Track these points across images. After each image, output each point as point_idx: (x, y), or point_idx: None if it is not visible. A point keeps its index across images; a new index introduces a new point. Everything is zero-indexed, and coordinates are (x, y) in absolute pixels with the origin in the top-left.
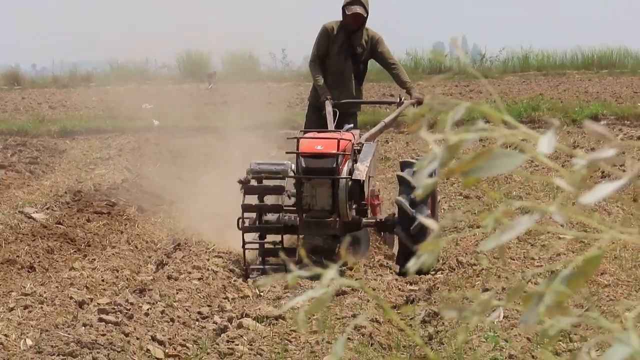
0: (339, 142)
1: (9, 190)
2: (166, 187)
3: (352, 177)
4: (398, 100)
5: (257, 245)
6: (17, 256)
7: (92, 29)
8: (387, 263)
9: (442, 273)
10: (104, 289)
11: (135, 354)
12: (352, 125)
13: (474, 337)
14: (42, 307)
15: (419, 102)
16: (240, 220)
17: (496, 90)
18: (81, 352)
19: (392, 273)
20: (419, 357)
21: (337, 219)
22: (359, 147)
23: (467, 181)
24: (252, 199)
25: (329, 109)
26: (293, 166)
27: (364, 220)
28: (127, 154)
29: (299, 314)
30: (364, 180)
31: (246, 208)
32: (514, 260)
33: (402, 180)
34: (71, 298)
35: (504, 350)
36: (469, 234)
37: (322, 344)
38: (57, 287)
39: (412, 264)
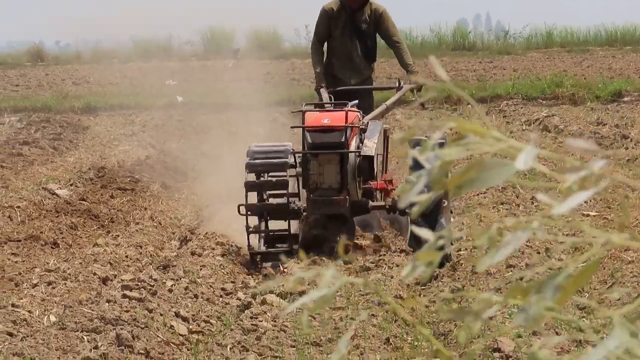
0: (347, 114)
1: (32, 166)
2: (190, 163)
3: (362, 153)
4: (397, 85)
5: (261, 231)
6: (41, 232)
7: (116, 6)
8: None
9: (465, 250)
10: (128, 265)
11: (158, 330)
12: (356, 102)
13: (498, 314)
14: (65, 284)
15: (419, 87)
16: (245, 201)
17: (520, 66)
18: (105, 329)
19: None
20: (442, 334)
21: (347, 197)
22: (364, 127)
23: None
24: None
25: (324, 95)
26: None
27: (372, 203)
28: (151, 130)
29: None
30: (373, 156)
31: (249, 186)
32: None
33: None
34: (95, 274)
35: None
36: (492, 212)
37: (345, 320)
38: (80, 263)
39: (407, 273)
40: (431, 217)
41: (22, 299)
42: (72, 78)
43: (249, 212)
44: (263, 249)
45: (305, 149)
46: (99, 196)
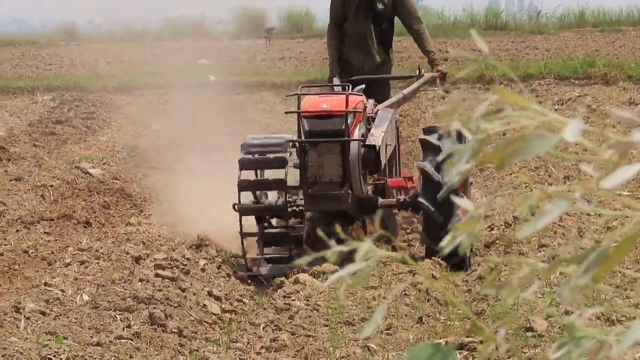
0: (347, 98)
1: (65, 145)
2: (222, 142)
3: (366, 142)
4: (417, 72)
5: (256, 232)
6: (74, 211)
7: None
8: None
9: (498, 229)
10: (161, 245)
11: (191, 309)
12: (362, 86)
13: (530, 294)
14: (98, 263)
15: (442, 76)
16: (238, 200)
17: (552, 46)
18: (137, 307)
19: None
20: (475, 313)
21: (349, 191)
22: (373, 115)
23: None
24: (250, 176)
25: (336, 82)
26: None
27: (382, 200)
28: (184, 108)
29: (340, 289)
30: (379, 147)
31: (243, 185)
32: (570, 216)
33: (425, 145)
34: (127, 253)
35: (560, 306)
36: (524, 191)
37: (378, 300)
38: (113, 242)
39: (447, 242)
40: (447, 206)
41: (54, 278)
42: (105, 57)
43: (243, 215)
44: (262, 270)
45: (302, 137)
46: (131, 175)
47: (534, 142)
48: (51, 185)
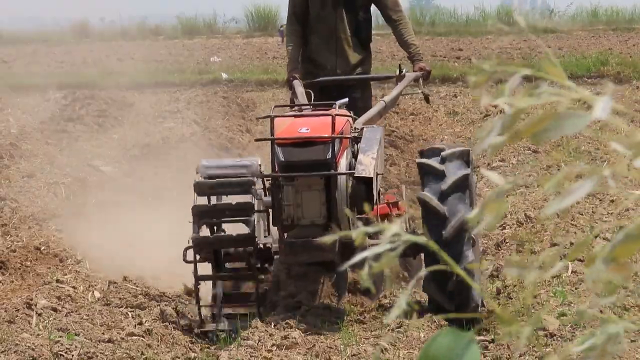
0: (333, 120)
1: (77, 143)
2: (234, 140)
3: (356, 174)
4: (398, 73)
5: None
6: (86, 209)
7: None
8: None
9: (510, 228)
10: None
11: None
12: (347, 100)
13: (542, 292)
14: (110, 260)
15: (426, 76)
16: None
17: (565, 45)
18: (149, 305)
19: None
20: (488, 312)
21: (337, 238)
22: (356, 134)
23: (537, 140)
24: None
25: (299, 90)
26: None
27: (370, 241)
28: (196, 107)
29: (364, 269)
30: (371, 179)
31: (199, 242)
32: (582, 215)
33: (426, 169)
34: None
35: (572, 305)
36: (537, 188)
37: (394, 294)
38: (125, 239)
39: (473, 216)
40: (455, 246)
41: (66, 274)
42: (117, 55)
43: (198, 251)
44: (217, 324)
45: (277, 170)
46: (143, 173)
47: (567, 120)
48: (63, 183)
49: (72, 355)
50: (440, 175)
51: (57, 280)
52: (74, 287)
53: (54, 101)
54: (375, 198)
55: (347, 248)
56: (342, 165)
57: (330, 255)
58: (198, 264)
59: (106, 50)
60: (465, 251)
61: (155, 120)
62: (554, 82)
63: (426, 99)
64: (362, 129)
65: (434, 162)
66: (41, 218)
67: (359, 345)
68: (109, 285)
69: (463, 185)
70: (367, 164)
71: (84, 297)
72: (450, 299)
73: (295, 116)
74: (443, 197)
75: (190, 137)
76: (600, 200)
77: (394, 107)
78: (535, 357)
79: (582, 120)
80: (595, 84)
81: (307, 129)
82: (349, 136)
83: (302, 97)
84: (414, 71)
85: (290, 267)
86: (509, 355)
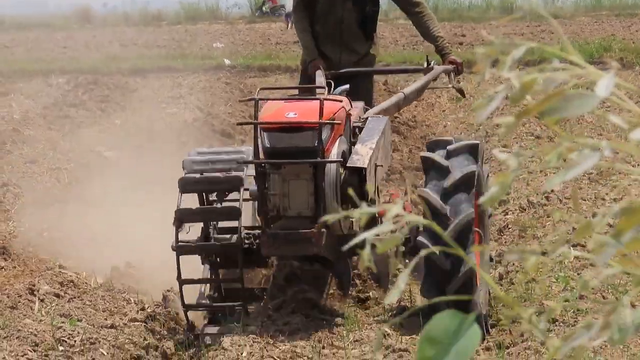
0: (322, 105)
1: (80, 128)
2: (237, 126)
3: (348, 164)
4: (425, 65)
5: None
6: (88, 194)
7: None
8: None
9: (512, 213)
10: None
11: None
12: (346, 86)
13: (545, 278)
14: (112, 246)
15: (458, 70)
16: (175, 239)
17: (567, 31)
18: (151, 290)
19: None
20: (492, 297)
21: (323, 230)
22: (360, 124)
23: (549, 121)
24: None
25: (319, 79)
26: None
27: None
28: (199, 92)
29: (365, 250)
30: (366, 170)
31: (183, 214)
32: (584, 200)
33: (429, 164)
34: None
35: (575, 290)
36: (540, 171)
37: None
38: (128, 225)
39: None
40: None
41: (69, 260)
42: (120, 40)
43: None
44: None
45: (262, 156)
46: (146, 159)
47: (575, 100)
48: (66, 168)
49: (75, 341)
50: (445, 171)
51: (60, 266)
52: (76, 273)
53: (57, 87)
54: (371, 192)
55: (341, 243)
56: (333, 154)
57: (315, 249)
58: (186, 259)
59: (109, 35)
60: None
61: (158, 105)
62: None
63: (460, 92)
64: (366, 118)
65: (438, 156)
66: (44, 203)
67: (362, 331)
68: (111, 271)
69: (469, 183)
70: (363, 154)
71: (86, 283)
72: (450, 304)
73: (284, 100)
74: (446, 195)
75: (193, 122)
76: (602, 186)
77: (417, 99)
78: (538, 343)
79: (590, 101)
80: (599, 69)
81: (295, 114)
82: (336, 122)
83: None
84: (443, 64)
85: (287, 268)
86: (511, 340)
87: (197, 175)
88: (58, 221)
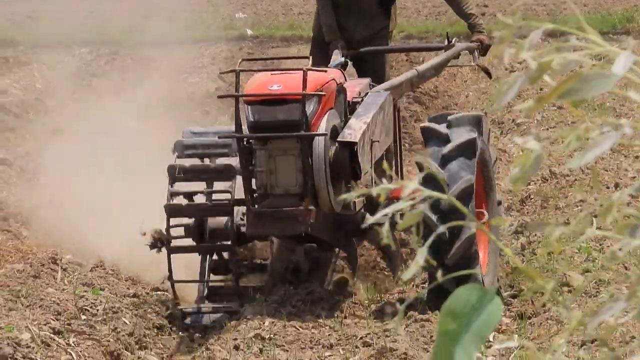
0: (305, 75)
1: (102, 99)
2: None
3: (339, 138)
4: (446, 42)
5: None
6: (112, 163)
7: None
8: None
9: (534, 184)
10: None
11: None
12: (341, 59)
13: (567, 248)
14: (135, 214)
15: (484, 48)
16: (166, 233)
17: (590, 1)
18: (174, 258)
19: None
20: (512, 268)
21: (311, 207)
22: (359, 99)
23: (570, 103)
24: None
25: (335, 57)
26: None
27: (372, 219)
28: (220, 63)
29: (384, 226)
30: (357, 144)
31: (172, 209)
32: (607, 171)
33: (429, 133)
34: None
35: (597, 261)
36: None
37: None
38: (150, 194)
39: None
40: (454, 217)
41: (91, 229)
42: (142, 10)
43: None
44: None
45: (245, 131)
46: (168, 129)
47: (593, 81)
48: (88, 138)
49: (97, 310)
50: (444, 140)
51: (82, 235)
52: (99, 242)
53: (79, 57)
54: (364, 169)
55: (338, 221)
56: (321, 128)
57: (302, 228)
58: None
59: (131, 5)
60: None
61: (180, 75)
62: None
63: (486, 72)
64: (366, 94)
65: (438, 125)
66: (66, 173)
67: (383, 301)
68: (135, 240)
69: (469, 151)
70: (356, 129)
71: (109, 252)
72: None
73: (268, 71)
74: (444, 161)
75: (215, 92)
76: (625, 157)
77: (434, 77)
78: (559, 313)
79: (608, 80)
80: (622, 40)
81: (279, 86)
82: (321, 93)
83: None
84: (471, 41)
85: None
86: (533, 310)
87: (187, 165)
88: (81, 190)
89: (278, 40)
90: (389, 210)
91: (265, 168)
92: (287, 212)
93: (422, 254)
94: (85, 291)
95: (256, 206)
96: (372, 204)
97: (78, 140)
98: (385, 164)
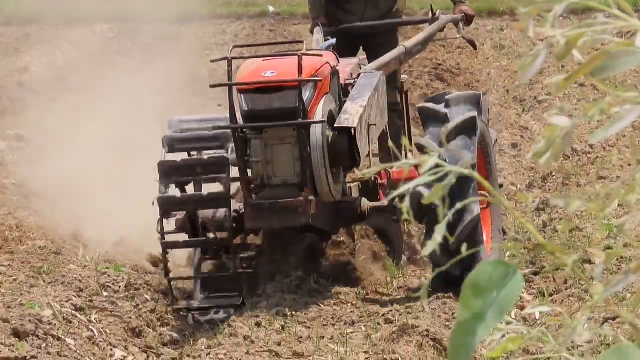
0: (300, 60)
1: (124, 76)
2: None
3: (337, 124)
4: (430, 15)
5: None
6: (135, 139)
7: None
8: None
9: (556, 161)
10: None
11: None
12: (333, 41)
13: (588, 225)
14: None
15: (469, 19)
16: (160, 230)
17: None
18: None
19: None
20: (534, 245)
21: (312, 197)
22: (352, 81)
23: (598, 81)
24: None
25: (316, 37)
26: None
27: (369, 203)
28: (242, 40)
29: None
30: (355, 129)
31: (165, 203)
32: (628, 148)
33: (427, 114)
34: None
35: (618, 238)
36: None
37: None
38: None
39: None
40: (457, 197)
41: (113, 206)
42: None
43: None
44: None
45: (240, 121)
46: (190, 106)
47: (620, 58)
48: (110, 115)
49: (119, 287)
50: (443, 119)
51: (104, 212)
52: (121, 218)
53: (101, 34)
54: (362, 154)
55: (335, 208)
56: (318, 114)
57: (303, 219)
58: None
59: None
60: (471, 205)
61: (202, 52)
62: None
63: (471, 44)
64: (359, 75)
65: (436, 105)
66: (89, 150)
67: (406, 278)
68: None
69: (469, 130)
70: (353, 113)
71: (131, 228)
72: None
73: (259, 57)
74: (447, 139)
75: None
76: None
77: (421, 52)
78: (581, 290)
79: (637, 57)
80: None
81: (273, 73)
82: (318, 79)
83: (316, 45)
84: (454, 14)
85: (273, 239)
86: (555, 287)
87: (178, 160)
88: (101, 168)
89: (300, 18)
90: (411, 185)
91: (262, 158)
92: (287, 204)
93: (440, 231)
94: (107, 268)
95: (254, 197)
96: (368, 190)
97: (99, 117)
98: (405, 140)
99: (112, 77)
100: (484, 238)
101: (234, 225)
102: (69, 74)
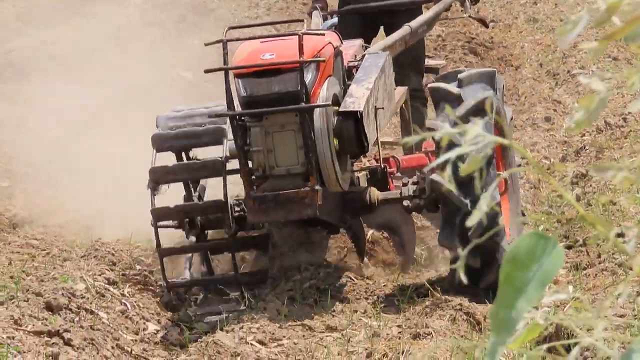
0: (301, 40)
1: (156, 49)
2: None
3: (341, 108)
4: None
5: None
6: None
7: None
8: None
9: (589, 135)
10: None
11: None
12: (334, 20)
13: (622, 199)
14: None
15: None
16: (155, 238)
17: None
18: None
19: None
20: (567, 219)
21: (318, 187)
22: (356, 62)
23: (635, 46)
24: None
25: (315, 20)
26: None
27: (380, 194)
28: (275, 13)
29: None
30: (361, 113)
31: (160, 213)
32: None
33: (439, 95)
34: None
35: None
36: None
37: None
38: None
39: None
40: (471, 186)
41: (143, 180)
42: None
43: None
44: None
45: (238, 107)
46: (219, 82)
47: None
48: (141, 89)
49: (152, 261)
50: (457, 100)
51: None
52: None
53: (134, 6)
54: (370, 141)
55: (342, 199)
56: (321, 97)
57: (310, 211)
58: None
59: None
60: (490, 189)
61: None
62: None
63: (482, 22)
64: (363, 56)
65: (448, 85)
66: (118, 124)
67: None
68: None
69: (484, 110)
70: (359, 97)
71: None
72: (474, 255)
73: (257, 38)
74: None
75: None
76: None
77: (428, 32)
78: (615, 264)
79: None
80: None
81: (272, 54)
82: (320, 59)
83: (315, 28)
84: None
85: (285, 234)
86: (588, 261)
87: (170, 165)
88: (130, 142)
89: None
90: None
91: (263, 147)
92: (292, 195)
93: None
94: (140, 241)
95: (255, 189)
96: (376, 179)
97: (129, 91)
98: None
99: (144, 49)
100: (504, 226)
101: (234, 225)
102: (98, 50)
